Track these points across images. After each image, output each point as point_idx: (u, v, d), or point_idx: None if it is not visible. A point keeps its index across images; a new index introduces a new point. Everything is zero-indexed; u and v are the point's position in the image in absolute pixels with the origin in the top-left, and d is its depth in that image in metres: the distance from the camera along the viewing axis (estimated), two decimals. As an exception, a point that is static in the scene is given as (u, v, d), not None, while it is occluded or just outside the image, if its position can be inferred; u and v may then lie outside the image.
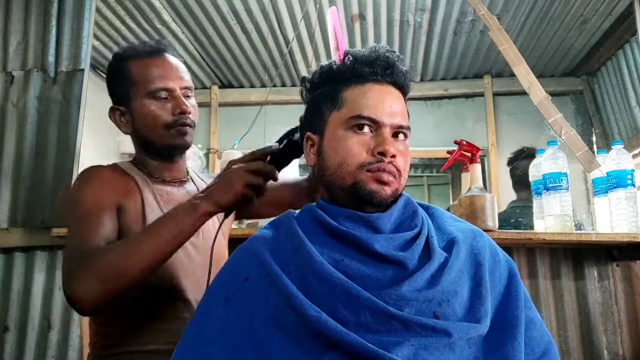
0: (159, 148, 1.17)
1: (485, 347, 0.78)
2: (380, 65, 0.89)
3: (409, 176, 0.92)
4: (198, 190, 1.20)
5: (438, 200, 6.01)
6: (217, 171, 3.75)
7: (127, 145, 1.71)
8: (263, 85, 3.90)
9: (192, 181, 1.27)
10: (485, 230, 1.07)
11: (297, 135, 0.99)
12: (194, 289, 1.14)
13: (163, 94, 1.13)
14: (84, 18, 2.05)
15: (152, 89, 1.13)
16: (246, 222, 1.90)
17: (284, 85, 3.88)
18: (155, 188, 1.17)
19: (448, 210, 1.21)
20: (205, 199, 0.97)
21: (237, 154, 1.76)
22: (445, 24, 3.08)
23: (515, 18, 2.97)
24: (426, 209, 0.95)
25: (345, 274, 0.78)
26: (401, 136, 0.88)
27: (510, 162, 2.51)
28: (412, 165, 6.04)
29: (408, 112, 0.92)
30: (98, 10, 2.81)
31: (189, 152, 1.90)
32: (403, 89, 0.92)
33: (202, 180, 1.29)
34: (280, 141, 1.01)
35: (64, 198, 1.85)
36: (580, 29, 3.07)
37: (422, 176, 6.13)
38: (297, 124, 1.00)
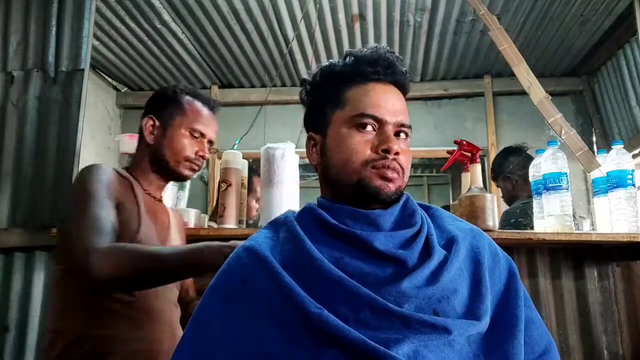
0: (169, 170, 1.35)
1: (485, 345, 0.78)
2: (381, 65, 0.91)
3: (409, 176, 0.93)
4: (167, 211, 1.41)
5: (438, 200, 6.00)
6: (217, 170, 3.70)
7: (127, 145, 1.71)
8: (263, 85, 3.89)
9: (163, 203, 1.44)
10: (485, 230, 1.07)
11: None
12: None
13: (197, 135, 1.35)
14: (84, 18, 2.05)
15: (193, 128, 1.34)
16: (245, 222, 1.90)
17: (284, 85, 3.87)
18: (145, 196, 1.33)
19: (447, 208, 1.22)
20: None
21: (237, 154, 1.76)
22: (445, 24, 3.08)
23: (515, 18, 2.96)
24: (426, 209, 0.96)
25: (345, 271, 0.78)
26: (402, 135, 0.90)
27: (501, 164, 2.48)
28: (412, 165, 6.00)
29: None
30: (98, 10, 2.80)
31: None
32: (403, 88, 0.94)
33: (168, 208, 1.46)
34: None
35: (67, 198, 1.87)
36: (580, 29, 3.07)
37: (422, 176, 6.12)
38: None
